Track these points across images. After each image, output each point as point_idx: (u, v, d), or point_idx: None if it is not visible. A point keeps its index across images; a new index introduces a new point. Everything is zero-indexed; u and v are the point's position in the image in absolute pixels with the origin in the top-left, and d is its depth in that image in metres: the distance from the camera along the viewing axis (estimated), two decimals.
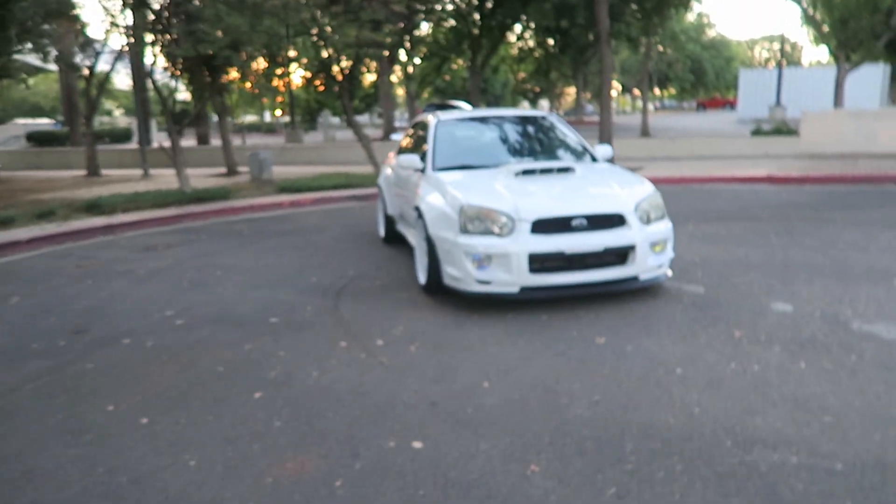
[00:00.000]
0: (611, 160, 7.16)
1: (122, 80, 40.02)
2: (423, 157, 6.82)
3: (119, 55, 19.80)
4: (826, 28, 27.07)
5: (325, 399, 3.86)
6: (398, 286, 6.33)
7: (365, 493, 2.91)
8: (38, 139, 37.00)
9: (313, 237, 9.17)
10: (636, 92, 70.95)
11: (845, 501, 2.68)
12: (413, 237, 6.89)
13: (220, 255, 8.19)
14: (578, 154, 7.00)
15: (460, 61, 38.81)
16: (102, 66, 20.86)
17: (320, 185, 14.27)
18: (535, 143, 7.22)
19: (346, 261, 7.53)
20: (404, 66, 35.94)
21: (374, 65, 25.75)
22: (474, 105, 29.59)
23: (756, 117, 38.87)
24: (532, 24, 31.15)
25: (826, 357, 4.11)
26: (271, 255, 8.09)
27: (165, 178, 16.80)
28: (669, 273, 5.77)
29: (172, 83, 14.76)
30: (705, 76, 66.73)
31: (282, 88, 35.64)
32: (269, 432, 3.51)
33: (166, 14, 13.74)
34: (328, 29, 14.76)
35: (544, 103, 62.07)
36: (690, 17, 59.65)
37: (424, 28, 32.15)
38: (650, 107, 39.76)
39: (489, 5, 27.21)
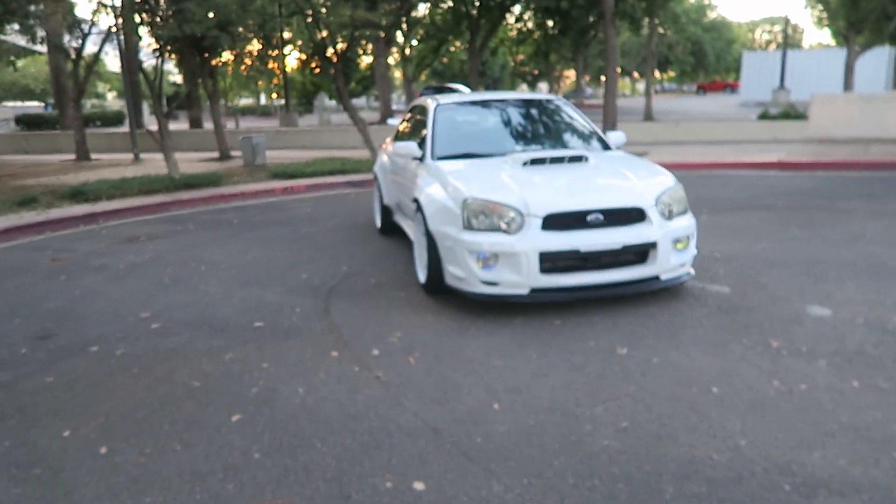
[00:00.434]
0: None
1: (114, 62, 39.34)
2: (421, 144, 6.31)
3: (107, 36, 19.19)
4: (834, 8, 26.42)
5: (311, 423, 3.38)
6: (395, 284, 5.84)
7: None
8: (27, 122, 36.37)
9: (306, 228, 8.66)
10: (635, 75, 70.22)
11: None
12: (411, 230, 6.40)
13: (206, 248, 7.68)
14: (589, 141, 6.48)
15: (458, 43, 38.14)
16: (92, 47, 20.27)
17: (315, 171, 13.75)
18: (543, 129, 6.70)
19: (340, 255, 7.04)
20: (402, 48, 35.26)
21: (370, 46, 25.14)
22: (473, 88, 29.03)
23: (759, 101, 38.29)
24: (532, 5, 30.45)
25: (881, 375, 3.62)
26: (260, 247, 7.59)
27: (156, 163, 16.26)
28: (692, 272, 5.28)
29: (160, 65, 14.17)
30: (706, 59, 65.75)
31: (277, 71, 35.03)
32: (246, 466, 3.03)
33: None
34: (322, 9, 14.19)
35: (543, 86, 61.25)
36: None
37: (422, 9, 31.50)
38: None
39: None
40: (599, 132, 6.59)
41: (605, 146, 6.40)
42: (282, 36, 26.19)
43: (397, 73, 47.18)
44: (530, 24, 38.38)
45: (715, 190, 10.34)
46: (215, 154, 19.10)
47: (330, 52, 15.20)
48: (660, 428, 3.16)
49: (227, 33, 14.07)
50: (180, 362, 4.27)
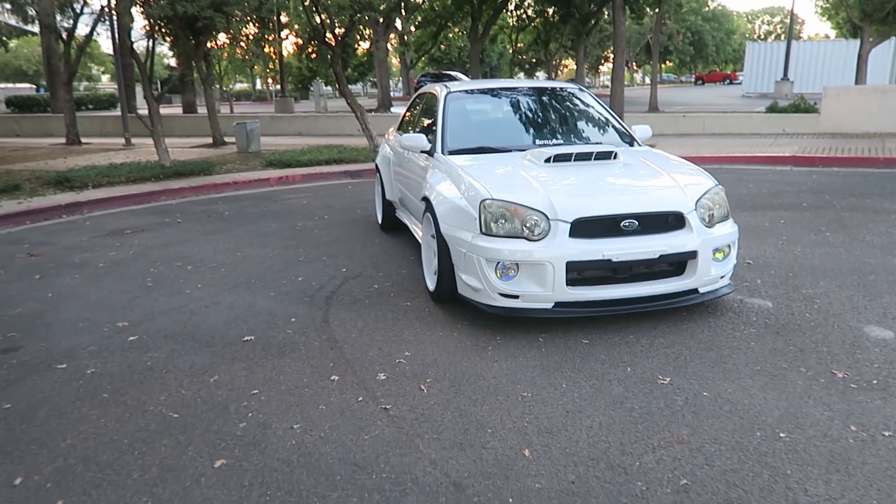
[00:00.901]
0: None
1: (107, 43, 38.58)
2: (430, 136, 5.76)
3: (100, 16, 18.50)
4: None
5: (309, 474, 2.84)
6: (401, 291, 5.30)
7: None
8: (18, 105, 35.53)
9: (302, 222, 8.10)
10: (633, 65, 69.36)
11: None
12: (417, 228, 5.86)
13: (194, 244, 7.12)
14: (614, 135, 5.94)
15: (457, 30, 37.43)
16: (84, 28, 19.62)
17: (311, 160, 13.15)
18: (563, 121, 6.14)
19: (339, 253, 6.50)
20: (401, 33, 34.54)
21: (368, 31, 24.48)
22: (473, 76, 28.39)
23: (761, 92, 37.76)
24: None
25: None
26: (252, 244, 7.03)
27: (147, 149, 15.62)
28: (732, 284, 4.75)
29: (151, 46, 13.55)
30: (705, 49, 65.01)
31: (273, 55, 34.33)
32: None
33: None
34: None
35: (541, 75, 60.50)
36: None
37: None
38: (649, 81, 38.52)
39: None
40: (624, 125, 6.04)
41: (631, 140, 5.86)
42: (278, 19, 25.51)
43: (394, 60, 46.40)
44: (531, 12, 37.68)
45: (731, 186, 9.78)
46: (209, 140, 18.48)
47: (328, 36, 14.61)
48: (728, 489, 2.63)
49: (221, 14, 13.46)
50: (157, 386, 3.73)
